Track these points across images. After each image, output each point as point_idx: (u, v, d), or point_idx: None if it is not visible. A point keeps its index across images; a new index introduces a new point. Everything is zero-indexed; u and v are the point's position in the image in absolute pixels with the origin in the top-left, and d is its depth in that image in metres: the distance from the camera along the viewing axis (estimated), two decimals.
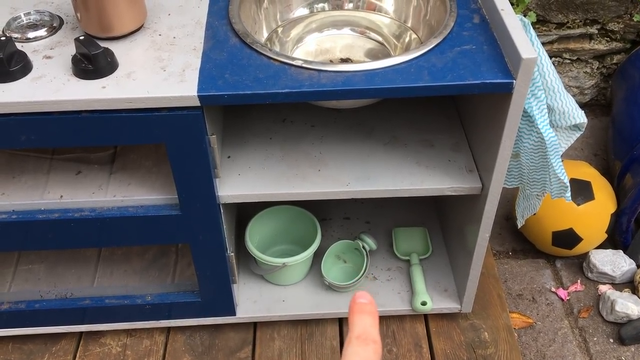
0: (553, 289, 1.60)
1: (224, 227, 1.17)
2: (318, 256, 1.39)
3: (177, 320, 1.33)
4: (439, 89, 0.96)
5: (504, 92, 0.97)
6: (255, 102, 0.95)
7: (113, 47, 1.02)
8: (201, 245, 1.18)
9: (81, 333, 1.37)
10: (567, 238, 1.56)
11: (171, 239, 1.17)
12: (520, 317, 1.54)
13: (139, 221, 1.11)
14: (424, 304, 1.33)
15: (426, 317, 1.40)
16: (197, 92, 0.94)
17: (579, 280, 1.62)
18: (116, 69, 0.98)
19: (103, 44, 1.00)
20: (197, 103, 0.95)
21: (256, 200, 1.14)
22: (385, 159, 1.19)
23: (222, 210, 1.14)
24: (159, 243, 1.17)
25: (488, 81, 0.95)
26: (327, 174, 1.16)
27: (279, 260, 1.31)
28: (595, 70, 2.03)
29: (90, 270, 1.39)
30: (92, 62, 0.95)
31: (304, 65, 0.98)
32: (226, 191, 1.12)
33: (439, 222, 1.52)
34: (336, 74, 0.97)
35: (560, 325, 1.52)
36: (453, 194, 1.15)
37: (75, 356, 1.34)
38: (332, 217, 1.53)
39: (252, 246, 1.33)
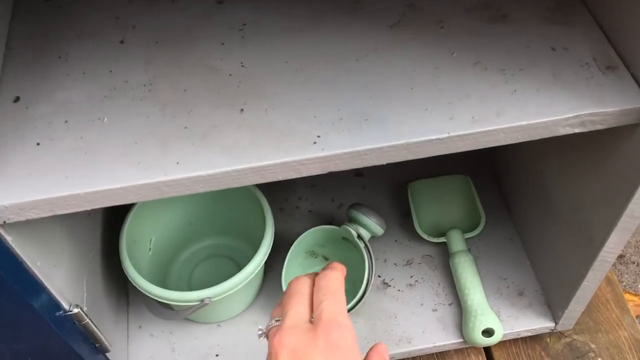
0: None
1: (28, 266, 0.48)
2: (277, 252, 0.72)
3: None
4: None
5: None
6: None
7: None
8: None
9: None
10: None
11: None
12: (631, 297, 0.91)
13: None
14: (489, 332, 0.68)
15: None
16: None
17: None
18: None
19: None
20: None
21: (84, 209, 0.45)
22: (396, 55, 0.49)
23: (9, 238, 0.45)
24: None
25: None
26: (267, 120, 0.46)
27: (194, 297, 0.63)
28: None
29: None
30: None
31: None
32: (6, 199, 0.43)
33: (489, 163, 0.84)
34: None
35: None
36: (581, 130, 0.47)
37: None
38: None
39: (134, 272, 0.64)
